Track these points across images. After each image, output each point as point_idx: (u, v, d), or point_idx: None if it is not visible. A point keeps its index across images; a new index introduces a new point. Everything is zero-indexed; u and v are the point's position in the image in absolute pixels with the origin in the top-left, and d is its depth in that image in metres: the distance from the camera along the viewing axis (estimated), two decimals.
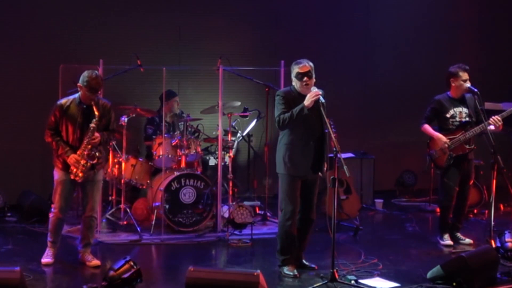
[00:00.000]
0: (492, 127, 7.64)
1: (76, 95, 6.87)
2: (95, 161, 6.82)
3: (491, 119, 7.58)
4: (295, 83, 6.71)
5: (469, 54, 11.26)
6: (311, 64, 6.69)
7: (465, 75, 7.79)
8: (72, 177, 6.80)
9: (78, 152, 6.77)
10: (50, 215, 7.05)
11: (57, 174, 6.94)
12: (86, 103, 6.79)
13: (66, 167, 6.84)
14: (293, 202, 6.67)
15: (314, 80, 6.70)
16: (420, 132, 8.07)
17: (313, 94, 6.48)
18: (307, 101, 6.47)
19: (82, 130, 6.79)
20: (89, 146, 6.77)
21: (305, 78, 6.62)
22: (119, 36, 10.08)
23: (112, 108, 7.08)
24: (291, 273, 6.69)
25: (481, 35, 11.83)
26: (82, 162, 6.77)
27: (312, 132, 6.64)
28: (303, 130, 6.60)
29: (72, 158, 6.76)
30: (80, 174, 6.80)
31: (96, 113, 6.74)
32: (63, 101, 6.87)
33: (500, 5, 11.88)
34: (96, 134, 6.78)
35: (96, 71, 6.87)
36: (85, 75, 6.74)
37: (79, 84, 6.75)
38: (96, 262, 7.04)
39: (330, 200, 6.75)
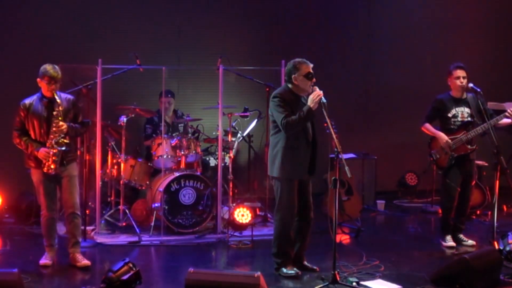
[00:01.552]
0: (508, 120, 7.59)
1: (38, 94, 6.91)
2: (63, 148, 6.77)
3: (508, 111, 7.49)
4: (302, 82, 6.58)
5: (472, 54, 11.22)
6: None
7: (457, 73, 7.75)
8: (45, 170, 6.78)
9: (47, 145, 6.77)
10: (40, 219, 7.04)
11: (35, 175, 6.95)
12: (48, 96, 6.81)
13: (39, 165, 6.84)
14: (293, 204, 6.63)
15: None
16: (422, 132, 8.02)
17: (316, 95, 6.40)
18: (312, 103, 6.39)
19: (48, 124, 6.80)
20: (56, 135, 6.75)
21: (314, 79, 6.56)
22: (118, 35, 10.06)
23: (78, 102, 7.13)
24: (292, 272, 6.65)
25: (484, 34, 11.79)
26: (52, 152, 6.74)
27: (307, 133, 6.60)
28: (301, 132, 6.56)
29: (42, 151, 6.76)
30: (52, 166, 6.77)
31: (58, 101, 6.75)
32: (26, 101, 6.90)
33: (503, 4, 11.82)
34: (62, 123, 6.76)
35: (54, 64, 6.90)
36: (42, 68, 6.83)
37: (39, 79, 6.82)
38: (86, 262, 6.98)
39: (332, 201, 6.69)
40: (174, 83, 9.86)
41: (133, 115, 8.67)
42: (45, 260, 6.97)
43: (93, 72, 8.13)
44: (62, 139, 6.77)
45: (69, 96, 7.01)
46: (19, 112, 6.87)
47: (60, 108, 6.76)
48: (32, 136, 6.84)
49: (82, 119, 7.10)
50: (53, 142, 6.74)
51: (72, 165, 7.01)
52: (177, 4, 10.40)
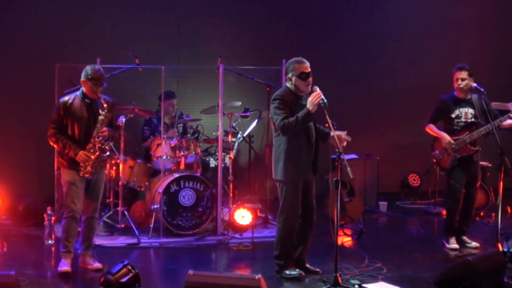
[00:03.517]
0: (510, 121, 7.54)
1: (78, 93, 6.79)
2: (107, 153, 6.76)
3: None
4: (297, 82, 6.55)
5: (475, 53, 11.17)
6: None
7: (458, 74, 7.69)
8: (81, 174, 6.66)
9: (87, 147, 6.66)
10: (63, 221, 6.81)
11: (66, 175, 6.76)
12: (92, 98, 6.71)
13: (73, 165, 6.68)
14: (296, 207, 6.60)
15: None
16: (425, 132, 7.97)
17: (315, 97, 6.32)
18: (311, 105, 6.33)
19: (88, 125, 6.70)
20: (99, 139, 6.67)
21: (309, 78, 6.53)
22: (116, 34, 10.02)
23: (115, 105, 7.05)
24: (296, 273, 6.61)
25: (488, 33, 11.73)
26: (93, 156, 6.65)
27: (309, 133, 6.56)
28: (302, 133, 6.52)
29: (82, 154, 6.63)
30: (90, 169, 6.65)
31: (105, 105, 6.68)
32: (65, 98, 6.77)
33: (508, 3, 11.74)
34: (104, 128, 6.71)
35: (97, 65, 6.82)
36: (87, 69, 6.69)
37: (83, 79, 6.69)
38: (98, 265, 6.90)
39: (333, 203, 6.65)
40: (173, 82, 9.81)
41: (132, 115, 8.60)
42: (64, 267, 6.72)
43: None
44: (105, 146, 6.73)
45: (108, 98, 6.87)
46: (58, 109, 6.69)
47: (108, 114, 6.69)
48: (69, 134, 6.68)
49: (116, 124, 7.07)
50: (96, 147, 6.65)
51: (103, 170, 6.96)
52: (176, 3, 10.34)
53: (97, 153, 6.68)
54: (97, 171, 6.76)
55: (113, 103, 6.92)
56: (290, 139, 6.51)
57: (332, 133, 6.37)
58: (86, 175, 6.69)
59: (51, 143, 6.76)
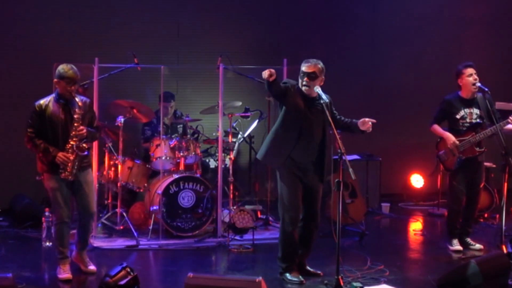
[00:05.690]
0: (511, 126, 7.50)
1: (53, 94, 6.66)
2: (86, 153, 6.58)
3: (510, 117, 7.42)
4: (299, 81, 6.60)
5: (479, 52, 11.11)
6: (320, 65, 6.56)
7: (468, 71, 7.63)
8: (62, 176, 6.51)
9: (66, 147, 6.52)
10: (55, 228, 6.75)
11: (51, 182, 6.61)
12: (67, 97, 6.57)
13: (55, 170, 6.54)
14: (293, 208, 6.53)
15: (319, 82, 6.55)
16: (428, 133, 7.95)
17: (266, 73, 6.24)
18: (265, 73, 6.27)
19: (66, 127, 6.56)
20: (76, 138, 6.53)
21: (305, 78, 6.52)
22: (115, 33, 9.97)
23: (92, 105, 6.95)
24: (297, 279, 6.56)
25: (491, 32, 11.67)
26: (72, 157, 6.50)
27: (302, 132, 6.52)
28: (294, 128, 6.50)
29: (60, 156, 6.49)
30: (69, 170, 6.50)
31: (80, 103, 6.55)
32: (41, 101, 6.60)
33: (510, 1, 11.66)
34: (81, 126, 6.55)
35: (70, 64, 6.67)
36: (60, 68, 6.59)
37: (56, 79, 6.58)
38: (92, 268, 6.82)
39: (335, 204, 6.61)
40: (173, 82, 9.76)
41: (130, 116, 8.51)
42: (65, 274, 6.63)
43: (90, 71, 8.01)
44: (83, 144, 6.56)
45: (86, 99, 6.78)
46: (34, 113, 6.55)
47: (81, 111, 6.56)
48: (47, 138, 6.53)
49: (97, 124, 6.94)
50: (74, 146, 6.51)
51: (88, 170, 6.82)
52: (176, 2, 10.29)
53: (75, 153, 6.52)
54: (78, 172, 6.59)
55: (90, 103, 6.82)
56: (281, 124, 6.57)
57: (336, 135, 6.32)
58: (68, 178, 6.53)
59: (30, 149, 6.61)
